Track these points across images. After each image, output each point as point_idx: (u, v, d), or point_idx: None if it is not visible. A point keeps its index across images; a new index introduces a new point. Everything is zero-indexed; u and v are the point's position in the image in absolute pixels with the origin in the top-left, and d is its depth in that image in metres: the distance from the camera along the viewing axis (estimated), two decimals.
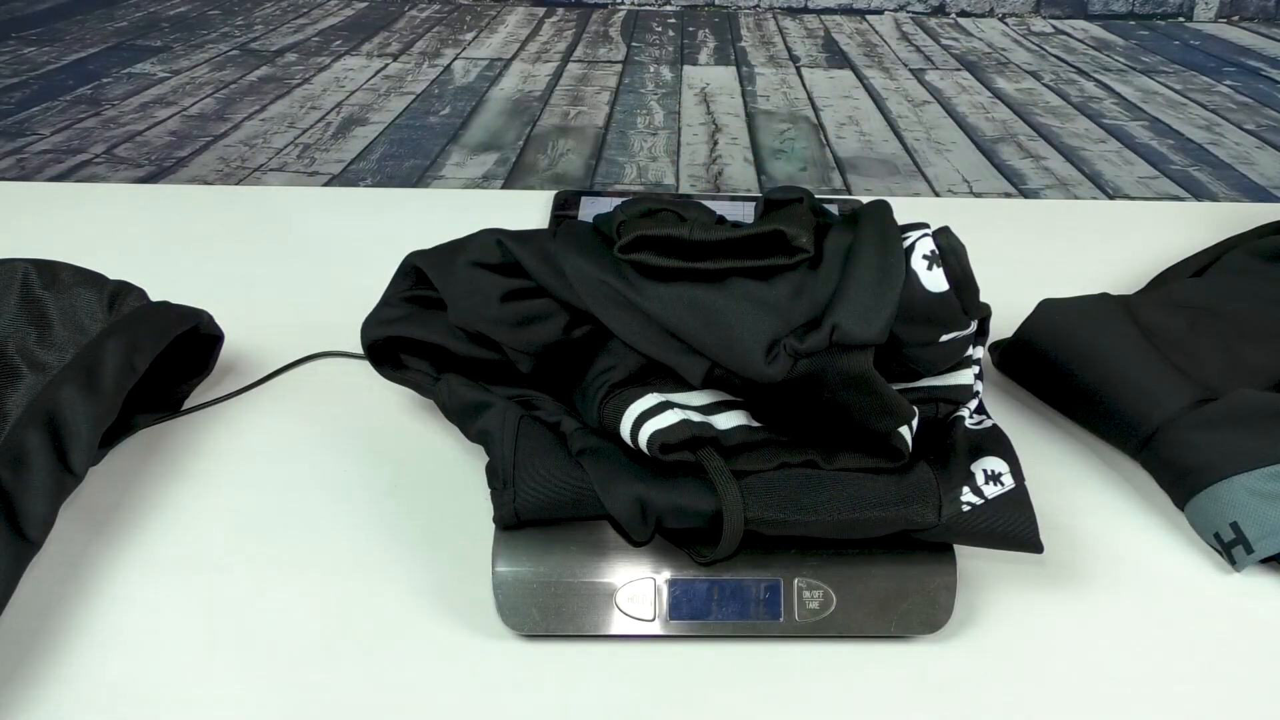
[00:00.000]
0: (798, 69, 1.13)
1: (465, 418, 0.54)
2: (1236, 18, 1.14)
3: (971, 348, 0.55)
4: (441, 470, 0.59)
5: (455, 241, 0.56)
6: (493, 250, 0.54)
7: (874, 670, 0.49)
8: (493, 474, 0.51)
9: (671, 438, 0.48)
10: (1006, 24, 1.15)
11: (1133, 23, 1.15)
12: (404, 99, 1.09)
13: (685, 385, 0.52)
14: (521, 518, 0.50)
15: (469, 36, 1.18)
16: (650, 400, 0.50)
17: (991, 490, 0.50)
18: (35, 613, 0.51)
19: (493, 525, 0.52)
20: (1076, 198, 0.93)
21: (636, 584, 0.50)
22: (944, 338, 0.51)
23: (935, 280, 0.49)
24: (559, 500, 0.50)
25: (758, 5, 1.16)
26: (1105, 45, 1.14)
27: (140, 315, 0.59)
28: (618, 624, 0.50)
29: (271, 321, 0.69)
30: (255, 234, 0.80)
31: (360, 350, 0.58)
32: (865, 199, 0.84)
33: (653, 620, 0.50)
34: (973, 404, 0.55)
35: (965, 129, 1.04)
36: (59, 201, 0.83)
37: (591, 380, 0.52)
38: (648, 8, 1.17)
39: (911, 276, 0.49)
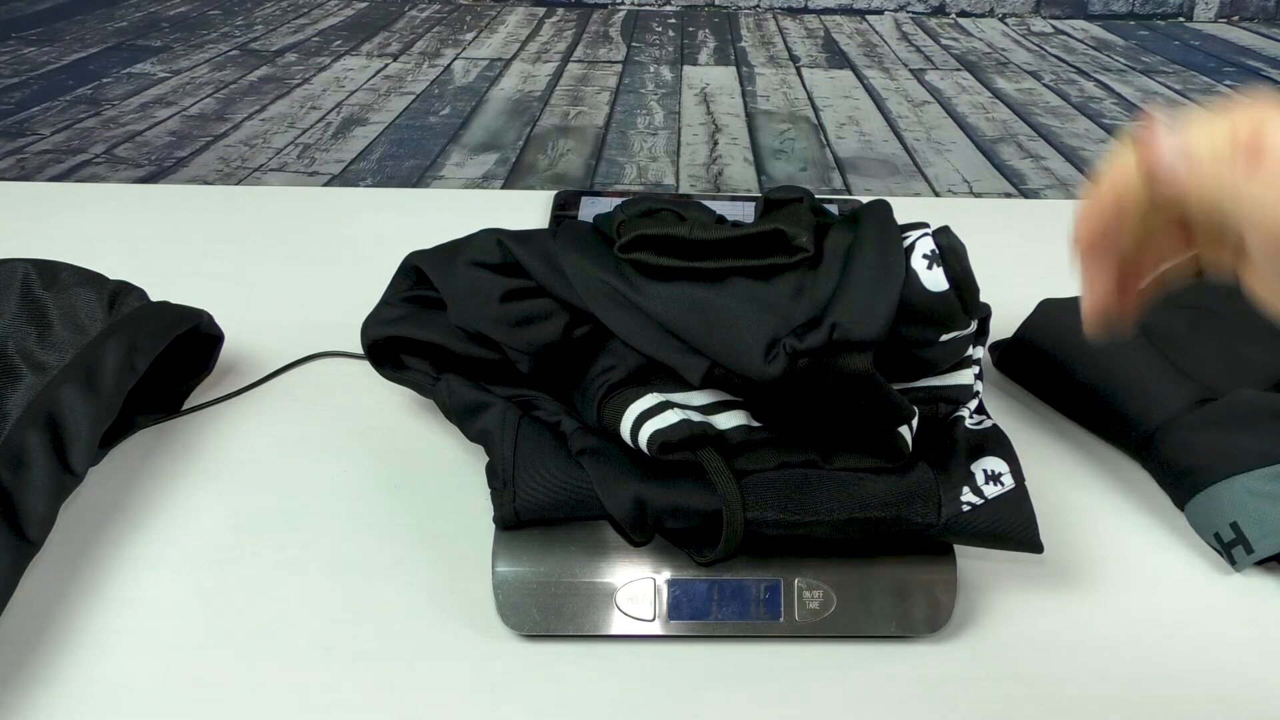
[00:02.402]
0: (798, 69, 1.13)
1: (465, 418, 0.54)
2: (1236, 18, 1.14)
3: (971, 348, 0.55)
4: (441, 470, 0.59)
5: (455, 241, 0.56)
6: (493, 250, 0.54)
7: (874, 670, 0.49)
8: (493, 474, 0.51)
9: (671, 437, 0.48)
10: (1006, 24, 1.15)
11: (1133, 23, 1.15)
12: (404, 99, 1.09)
13: (685, 385, 0.52)
14: (521, 518, 0.50)
15: (469, 36, 1.18)
16: (650, 400, 0.50)
17: (992, 490, 0.50)
18: (35, 613, 0.51)
19: (493, 525, 0.52)
20: (1076, 198, 0.93)
21: (636, 584, 0.50)
22: (944, 337, 0.51)
23: (935, 279, 0.49)
24: (559, 500, 0.50)
25: (758, 5, 1.16)
26: (1105, 45, 1.14)
27: (140, 315, 0.59)
28: (618, 624, 0.50)
29: (271, 321, 0.69)
30: (255, 234, 0.80)
31: (360, 350, 0.58)
32: (865, 199, 0.84)
33: (653, 620, 0.50)
34: (973, 404, 0.55)
35: (965, 129, 1.04)
36: (59, 201, 0.83)
37: (591, 380, 0.52)
38: (648, 8, 1.17)
39: (911, 276, 0.49)
